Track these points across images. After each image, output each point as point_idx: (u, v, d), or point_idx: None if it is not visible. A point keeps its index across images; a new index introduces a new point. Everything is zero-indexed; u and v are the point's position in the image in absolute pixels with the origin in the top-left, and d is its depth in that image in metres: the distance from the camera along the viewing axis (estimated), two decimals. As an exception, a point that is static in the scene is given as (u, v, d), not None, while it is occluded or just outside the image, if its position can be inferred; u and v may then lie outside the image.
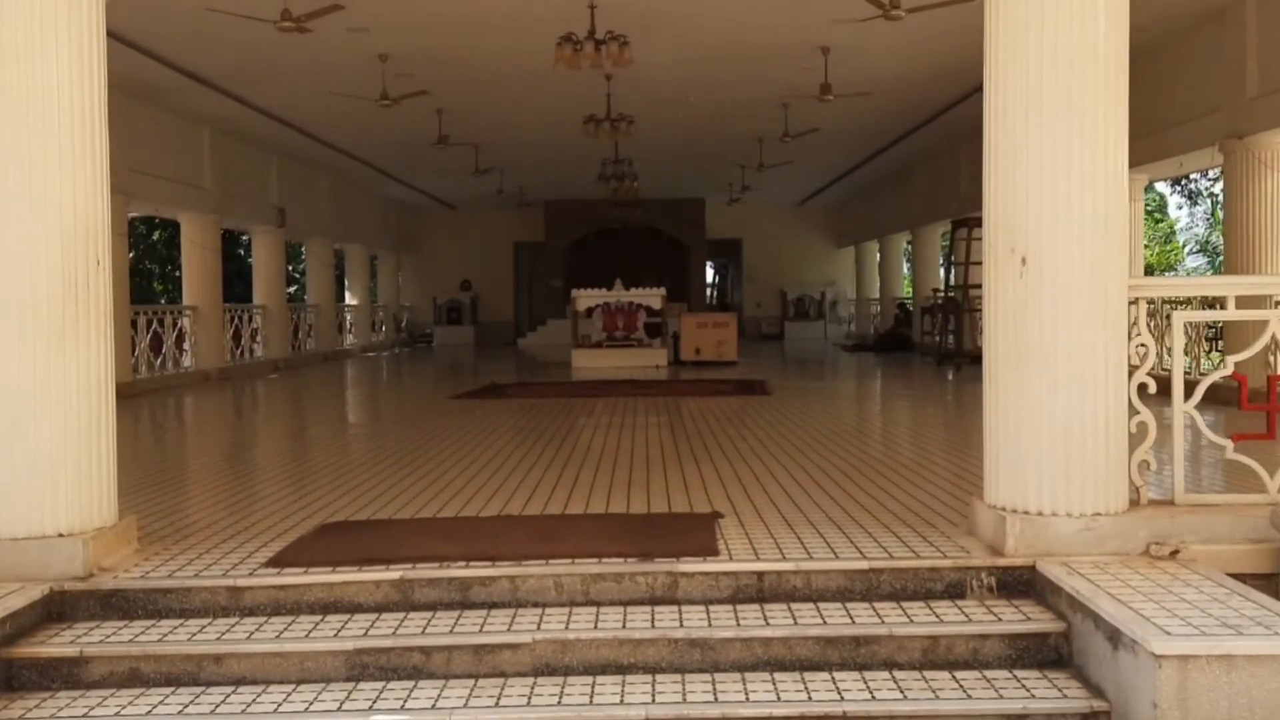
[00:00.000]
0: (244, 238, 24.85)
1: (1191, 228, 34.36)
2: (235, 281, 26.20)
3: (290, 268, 29.20)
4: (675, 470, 6.98)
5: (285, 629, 4.26)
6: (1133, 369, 4.75)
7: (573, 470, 7.06)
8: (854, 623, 4.21)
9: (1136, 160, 5.75)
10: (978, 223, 17.34)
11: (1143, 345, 4.80)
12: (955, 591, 4.47)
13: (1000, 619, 4.24)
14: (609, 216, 27.20)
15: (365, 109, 14.21)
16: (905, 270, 28.08)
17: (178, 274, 20.80)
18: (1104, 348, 4.57)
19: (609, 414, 10.74)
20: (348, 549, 4.84)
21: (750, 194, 24.71)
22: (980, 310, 16.14)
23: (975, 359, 17.95)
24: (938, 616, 4.25)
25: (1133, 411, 4.72)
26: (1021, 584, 4.48)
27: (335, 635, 4.19)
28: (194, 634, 4.22)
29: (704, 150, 20.30)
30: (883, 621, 4.22)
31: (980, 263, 16.63)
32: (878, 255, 28.95)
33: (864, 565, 4.52)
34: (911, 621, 4.22)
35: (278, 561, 4.68)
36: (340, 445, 9.07)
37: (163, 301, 26.26)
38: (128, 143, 14.46)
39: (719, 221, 29.64)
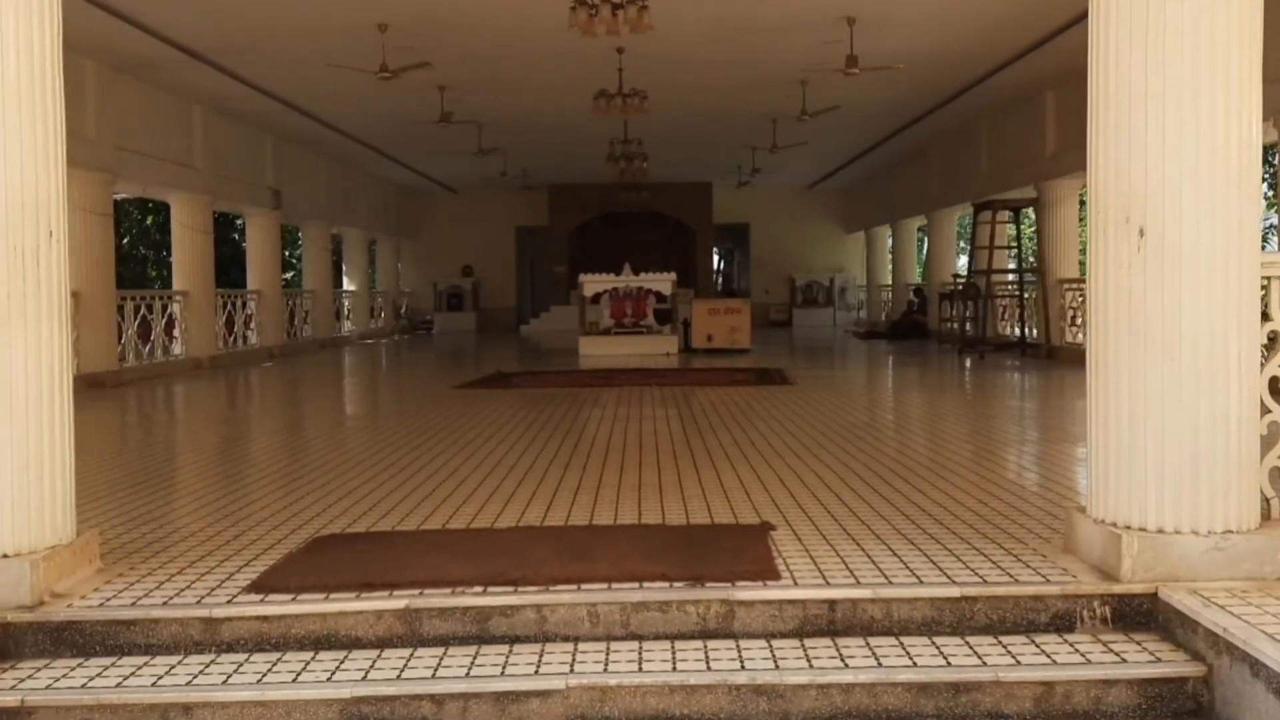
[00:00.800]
0: (238, 221, 24.10)
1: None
2: (231, 267, 25.51)
3: (287, 253, 28.52)
4: (709, 470, 6.28)
5: (269, 670, 3.56)
6: (1262, 360, 4.06)
7: (595, 470, 6.36)
8: (949, 664, 3.52)
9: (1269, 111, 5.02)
10: (1003, 205, 16.71)
11: (1275, 331, 4.10)
12: (1063, 624, 3.78)
13: (1124, 659, 3.54)
14: (614, 200, 26.50)
15: (363, 84, 13.49)
16: (918, 256, 27.37)
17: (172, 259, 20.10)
18: (1235, 334, 3.86)
19: (624, 405, 10.05)
20: (344, 570, 4.14)
21: (759, 177, 24.00)
22: (1004, 296, 15.40)
23: (998, 347, 17.32)
24: (1048, 656, 3.56)
25: (1264, 410, 4.02)
26: (1140, 615, 3.78)
27: (329, 679, 3.49)
28: (160, 676, 3.52)
29: (716, 130, 19.56)
30: (984, 663, 3.52)
31: (1006, 247, 15.92)
32: (889, 240, 28.26)
33: (954, 593, 3.82)
34: (1018, 663, 3.52)
35: (262, 585, 3.98)
36: (336, 441, 8.37)
37: (157, 287, 25.54)
38: (114, 119, 13.78)
39: (726, 206, 28.94)
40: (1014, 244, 18.44)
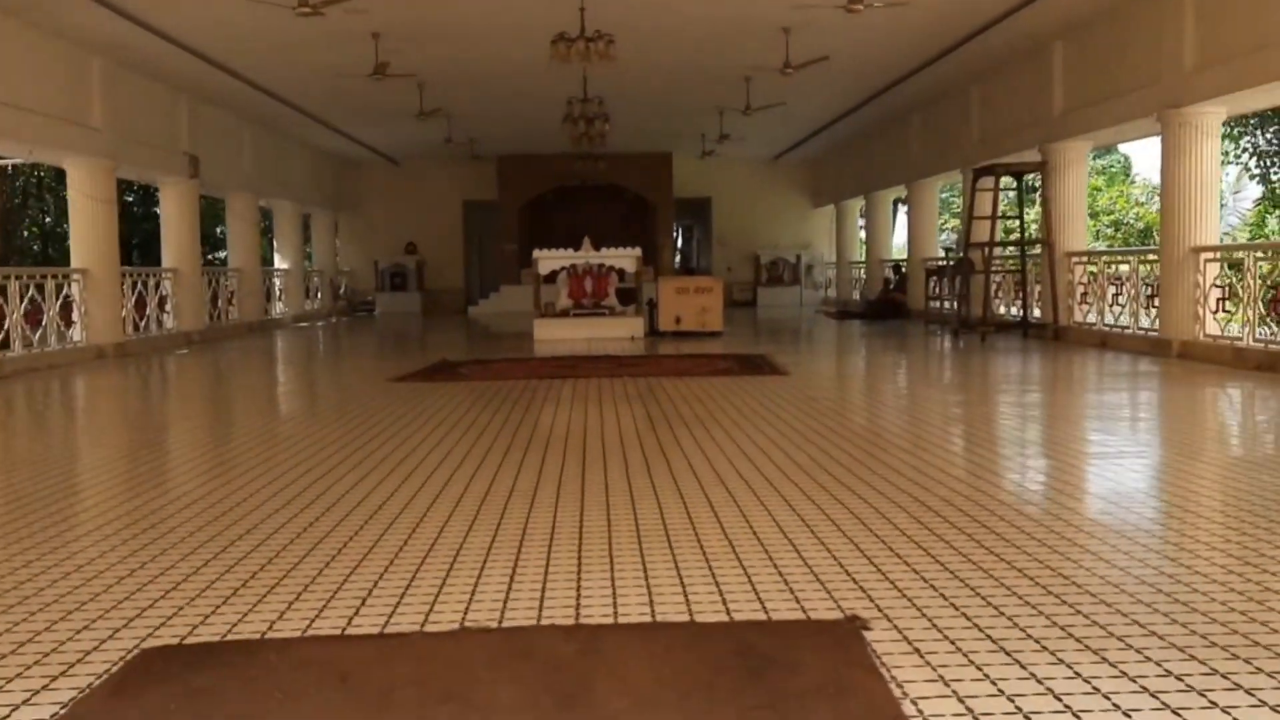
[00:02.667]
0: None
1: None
2: (155, 244, 23.37)
3: (220, 230, 26.40)
4: (728, 508, 4.55)
5: None
6: None
7: (569, 506, 4.61)
8: None
9: None
10: (1005, 170, 15.10)
11: None
12: None
13: None
14: (569, 172, 24.70)
15: (284, 27, 11.62)
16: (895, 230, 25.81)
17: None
18: None
19: (593, 403, 8.31)
20: (158, 739, 2.37)
21: (723, 146, 22.26)
22: (1012, 272, 13.78)
23: (1000, 328, 15.77)
24: None
25: None
26: None
27: None
28: None
29: (684, 89, 17.78)
30: None
31: (1008, 217, 14.27)
32: (860, 215, 26.70)
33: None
34: None
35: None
36: (221, 461, 6.48)
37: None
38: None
39: (686, 179, 27.22)
40: (1014, 213, 16.80)
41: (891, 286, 21.43)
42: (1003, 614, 3.09)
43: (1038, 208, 16.59)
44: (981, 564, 3.62)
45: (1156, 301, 12.48)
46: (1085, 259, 14.59)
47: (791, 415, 7.46)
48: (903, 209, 27.59)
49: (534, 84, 16.35)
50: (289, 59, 14.78)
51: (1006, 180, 15.50)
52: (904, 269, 21.26)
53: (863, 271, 24.98)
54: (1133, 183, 34.15)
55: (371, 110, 18.79)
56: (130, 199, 29.98)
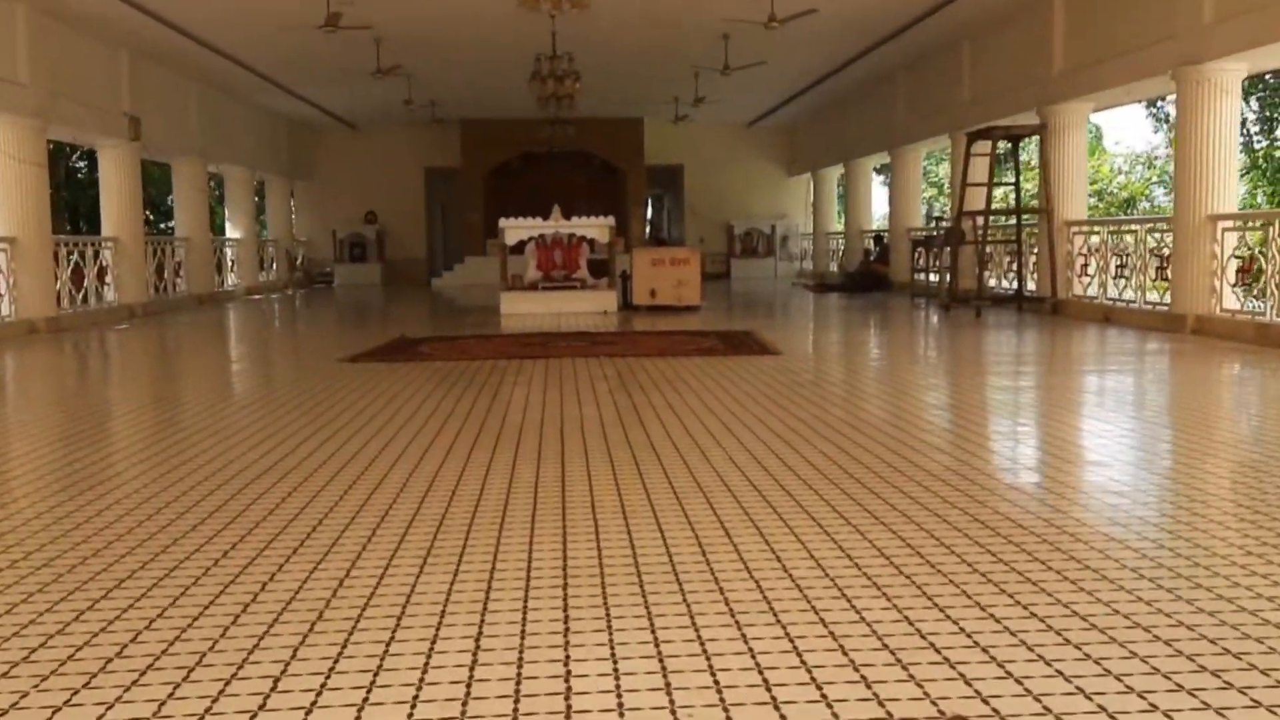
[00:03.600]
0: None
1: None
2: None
3: (171, 200, 25.13)
4: (752, 545, 3.64)
5: None
6: None
7: (551, 543, 3.67)
8: None
9: None
10: (1004, 134, 14.22)
11: None
12: None
13: None
14: (536, 137, 23.63)
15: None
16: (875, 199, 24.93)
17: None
18: None
19: (568, 387, 7.39)
20: None
21: (698, 110, 21.31)
22: (1005, 242, 12.91)
23: (995, 301, 14.94)
24: None
25: None
26: None
27: None
28: None
29: (659, 49, 16.78)
30: None
31: (1003, 184, 13.39)
32: (838, 183, 25.83)
33: None
34: None
35: None
36: (147, 462, 5.50)
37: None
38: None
39: (658, 145, 26.23)
40: (1008, 181, 15.95)
41: (872, 258, 20.57)
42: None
43: (1031, 175, 15.75)
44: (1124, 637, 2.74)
45: (1168, 273, 11.70)
46: (1087, 228, 13.78)
47: (794, 403, 6.56)
48: (878, 179, 26.76)
49: (500, 38, 15.31)
50: (235, 10, 13.65)
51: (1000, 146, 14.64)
52: (886, 239, 20.40)
53: (840, 242, 24.11)
54: (1112, 152, 33.48)
55: (326, 69, 17.67)
56: (79, 166, 28.65)
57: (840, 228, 25.12)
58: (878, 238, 21.01)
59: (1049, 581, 3.07)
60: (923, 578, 3.12)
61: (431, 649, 2.63)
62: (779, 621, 2.78)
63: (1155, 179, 32.41)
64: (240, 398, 7.86)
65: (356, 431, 5.78)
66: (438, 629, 2.77)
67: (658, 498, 4.17)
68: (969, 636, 2.65)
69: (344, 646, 2.65)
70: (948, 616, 2.79)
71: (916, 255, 17.49)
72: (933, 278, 16.91)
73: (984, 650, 2.55)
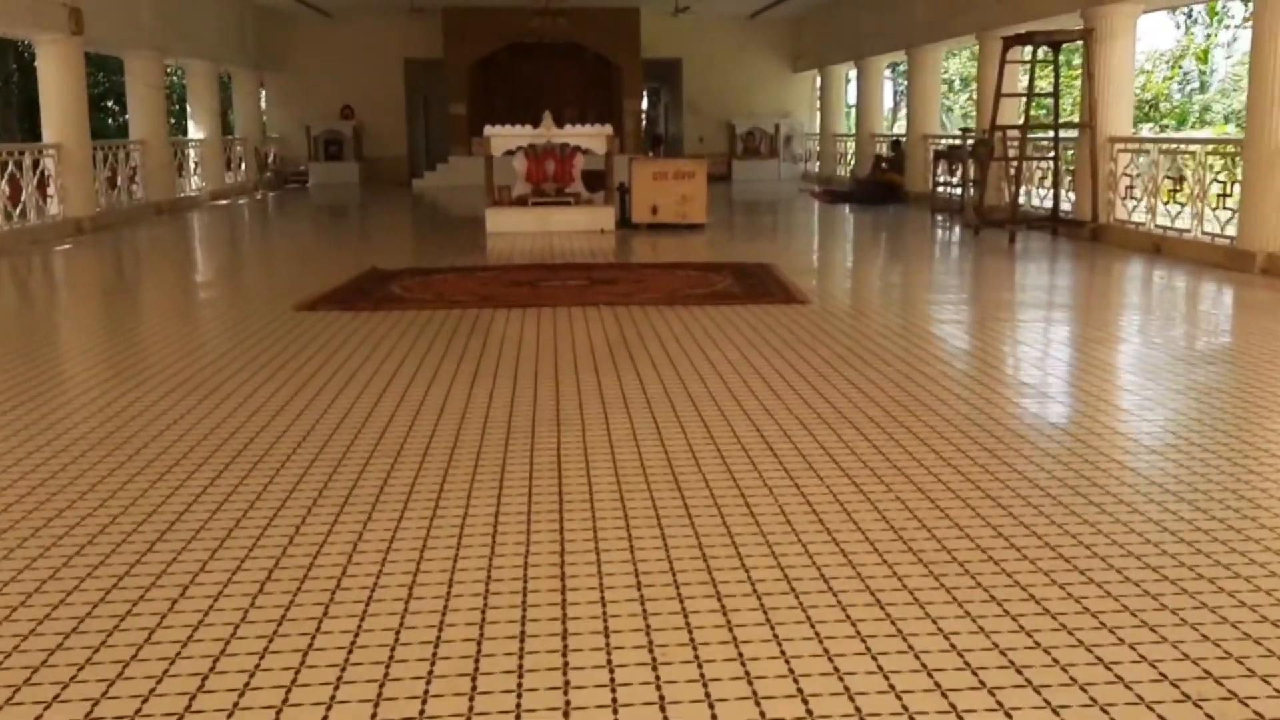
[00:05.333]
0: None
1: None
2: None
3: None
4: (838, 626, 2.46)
5: None
6: None
7: (545, 579, 2.49)
8: None
9: None
10: (1045, 39, 12.69)
11: None
12: None
13: None
14: (524, 28, 21.95)
15: None
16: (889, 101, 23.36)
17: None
18: None
19: (563, 361, 6.16)
20: None
21: (698, 1, 19.59)
22: (1049, 157, 11.31)
23: (1030, 224, 13.62)
24: None
25: None
26: None
27: None
28: None
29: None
30: None
31: (1043, 94, 11.74)
32: (848, 82, 24.23)
33: None
34: None
35: None
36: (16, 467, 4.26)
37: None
38: None
39: (655, 39, 24.49)
40: (1045, 91, 14.50)
41: (885, 165, 19.12)
42: None
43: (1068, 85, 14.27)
44: None
45: (1231, 203, 10.43)
46: (1135, 145, 12.43)
47: (840, 380, 5.34)
48: (887, 81, 25.14)
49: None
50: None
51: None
52: (903, 145, 18.94)
53: (851, 146, 22.61)
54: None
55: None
56: (29, 61, 26.68)
57: (850, 130, 23.57)
58: (895, 143, 19.51)
59: None
60: None
61: None
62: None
63: (1176, 80, 30.80)
64: (151, 369, 6.46)
65: (302, 409, 4.53)
66: None
67: (666, 516, 2.97)
68: None
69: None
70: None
71: (939, 168, 16.10)
72: (955, 191, 15.56)
73: None
